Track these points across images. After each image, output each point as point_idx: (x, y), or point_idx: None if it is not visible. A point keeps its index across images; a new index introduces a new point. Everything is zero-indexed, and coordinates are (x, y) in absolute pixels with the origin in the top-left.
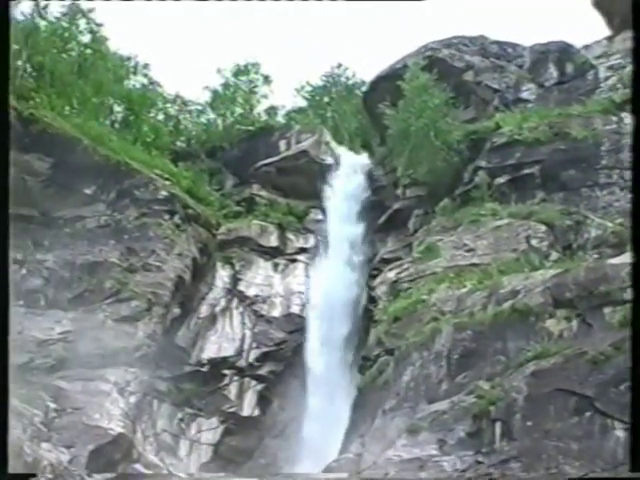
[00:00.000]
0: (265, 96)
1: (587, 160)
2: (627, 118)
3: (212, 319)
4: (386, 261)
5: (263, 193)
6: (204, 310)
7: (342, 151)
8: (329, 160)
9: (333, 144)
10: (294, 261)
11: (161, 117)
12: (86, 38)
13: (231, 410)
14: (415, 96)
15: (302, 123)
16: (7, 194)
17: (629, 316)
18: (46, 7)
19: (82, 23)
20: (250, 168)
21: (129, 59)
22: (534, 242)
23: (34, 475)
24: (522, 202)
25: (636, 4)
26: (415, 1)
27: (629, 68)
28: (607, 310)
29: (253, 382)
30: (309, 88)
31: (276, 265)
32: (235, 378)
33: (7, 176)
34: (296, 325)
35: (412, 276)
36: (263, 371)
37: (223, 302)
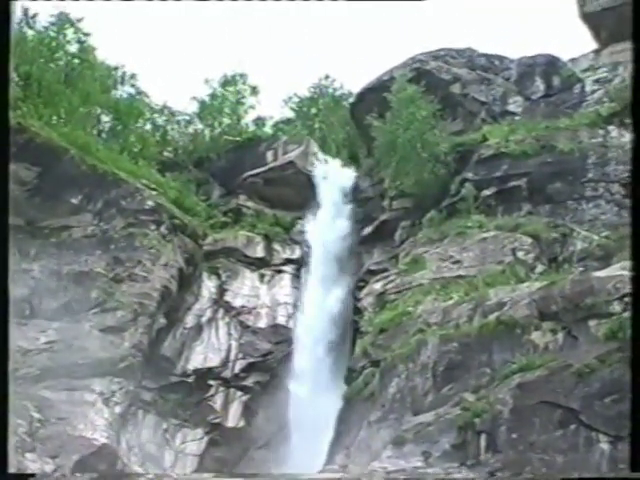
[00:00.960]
0: (252, 107)
1: (573, 173)
2: (614, 131)
3: (198, 329)
4: (372, 272)
5: (250, 204)
6: (190, 320)
7: (330, 162)
8: (316, 171)
9: (320, 155)
10: (280, 272)
11: (148, 127)
12: (74, 48)
13: (216, 421)
14: (402, 108)
15: (289, 134)
16: (7, 201)
17: (615, 329)
18: (34, 16)
19: (70, 33)
20: (237, 179)
21: (117, 69)
22: (520, 254)
23: (33, 475)
24: (508, 214)
25: (636, 14)
26: (414, 1)
27: (616, 81)
28: (592, 323)
29: (239, 393)
30: (296, 99)
31: (262, 276)
32: (221, 389)
33: (7, 183)
34: (282, 336)
35: (398, 288)
36: (249, 382)
37: (209, 312)
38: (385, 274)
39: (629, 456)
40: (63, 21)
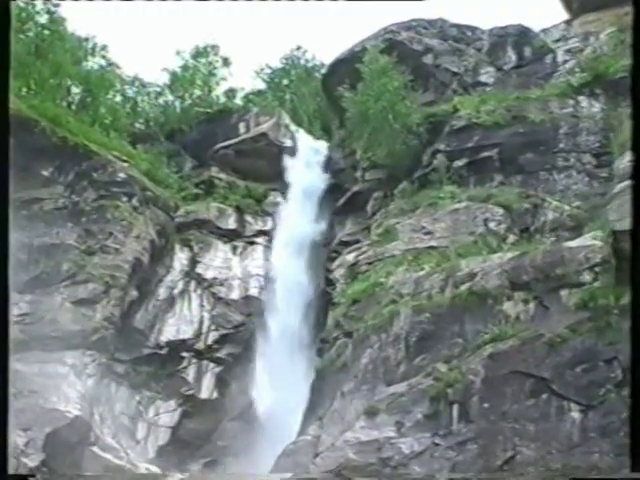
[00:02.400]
0: (224, 78)
1: (545, 143)
2: (584, 102)
3: (170, 302)
4: (344, 244)
5: (222, 175)
6: (162, 293)
7: (301, 133)
8: (288, 142)
9: (292, 127)
10: (252, 244)
11: (119, 99)
12: (43, 19)
13: (189, 393)
14: (374, 79)
15: (261, 105)
16: (7, 194)
17: (586, 298)
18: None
19: (39, 3)
20: (209, 150)
21: (87, 40)
22: (492, 225)
23: (33, 475)
24: (480, 185)
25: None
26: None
27: (587, 51)
28: (564, 293)
29: (211, 365)
30: (268, 70)
31: (235, 248)
32: (193, 361)
33: (7, 176)
34: (254, 307)
35: (370, 259)
36: (221, 354)
37: (181, 285)
38: (357, 245)
39: (629, 456)
40: None
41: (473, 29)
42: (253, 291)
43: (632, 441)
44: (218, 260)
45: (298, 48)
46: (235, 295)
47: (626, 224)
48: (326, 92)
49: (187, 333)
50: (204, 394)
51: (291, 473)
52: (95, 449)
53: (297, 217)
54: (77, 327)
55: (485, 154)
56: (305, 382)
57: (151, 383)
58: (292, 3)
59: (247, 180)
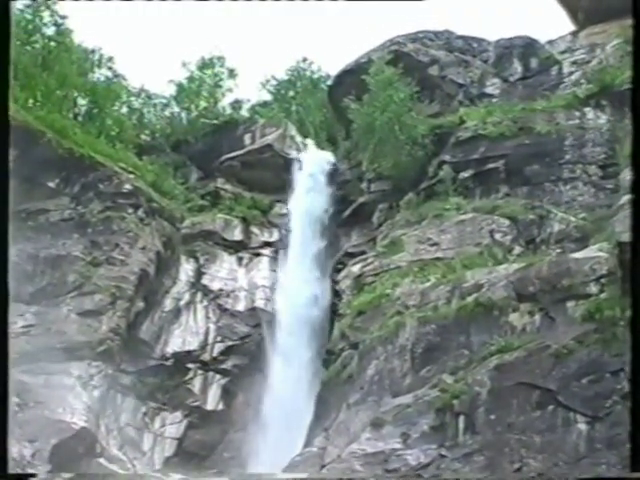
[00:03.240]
0: (230, 90)
1: (551, 155)
2: (590, 113)
3: (176, 313)
4: (350, 255)
5: (228, 187)
6: (168, 304)
7: (307, 145)
8: (294, 154)
9: (298, 138)
10: (258, 255)
11: (125, 110)
12: (50, 30)
13: (195, 404)
14: (380, 90)
15: (267, 117)
16: (7, 194)
17: (592, 310)
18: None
19: (46, 15)
20: (215, 162)
21: (93, 52)
22: (498, 236)
23: (34, 475)
24: (486, 196)
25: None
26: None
27: (593, 63)
28: (570, 304)
29: (217, 376)
30: (274, 82)
31: (240, 259)
32: (199, 372)
33: (7, 176)
34: (260, 319)
35: (376, 270)
36: (227, 365)
37: (187, 296)
38: (363, 257)
39: (629, 456)
40: (39, 4)
41: (479, 41)
42: (259, 302)
43: (632, 441)
44: (224, 271)
45: (304, 60)
46: (241, 306)
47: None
48: (332, 103)
49: (193, 344)
50: (210, 405)
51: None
52: (101, 460)
53: (303, 228)
54: (83, 338)
55: (491, 165)
56: (311, 393)
57: (157, 394)
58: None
59: (253, 191)
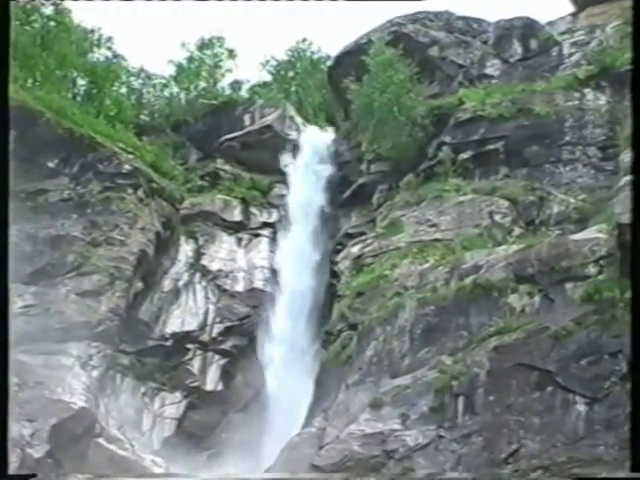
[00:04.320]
0: (230, 70)
1: (550, 136)
2: (590, 94)
3: (175, 293)
4: (350, 236)
5: (227, 167)
6: (167, 284)
7: (307, 126)
8: (293, 135)
9: (298, 119)
10: (257, 236)
11: (124, 90)
12: (49, 10)
13: (194, 384)
14: (380, 71)
15: (266, 97)
16: (7, 191)
17: (591, 291)
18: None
19: None
20: (214, 142)
21: (93, 32)
22: (497, 218)
23: (34, 475)
24: (485, 178)
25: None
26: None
27: (593, 44)
28: (569, 285)
29: (216, 357)
30: (274, 62)
31: (240, 240)
32: (198, 352)
33: (7, 174)
34: (259, 299)
35: (375, 251)
36: (226, 346)
37: (186, 276)
38: (362, 237)
39: (629, 456)
40: None
41: (479, 21)
42: (258, 283)
43: (632, 441)
44: (223, 252)
45: (304, 40)
46: (240, 287)
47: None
48: (332, 84)
49: (192, 325)
50: (209, 386)
51: (293, 466)
52: (100, 440)
53: (302, 209)
54: (82, 319)
55: (490, 147)
56: (310, 374)
57: (156, 375)
58: None
59: (252, 172)
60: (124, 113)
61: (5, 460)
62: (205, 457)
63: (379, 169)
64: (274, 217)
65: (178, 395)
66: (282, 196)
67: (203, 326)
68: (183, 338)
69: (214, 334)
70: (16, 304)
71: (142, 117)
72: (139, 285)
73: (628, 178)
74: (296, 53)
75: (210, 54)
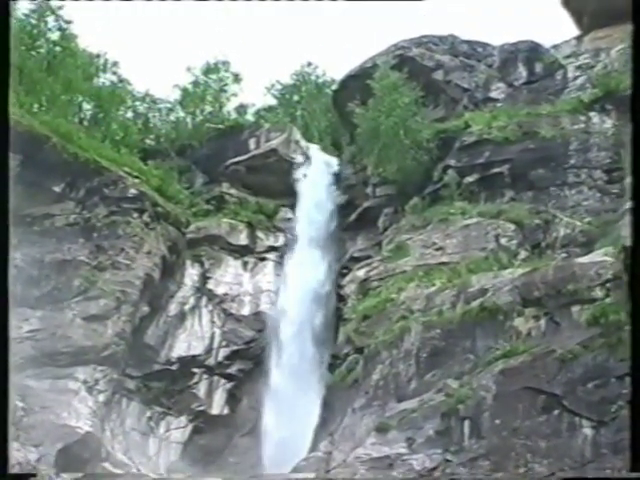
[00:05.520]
0: (235, 94)
1: (556, 159)
2: (595, 117)
3: (181, 317)
4: (356, 259)
5: (233, 191)
6: (173, 308)
7: (312, 150)
8: (299, 159)
9: (303, 143)
10: (263, 259)
11: (130, 115)
12: (55, 35)
13: (200, 409)
14: (385, 95)
15: (272, 121)
16: (7, 195)
17: (597, 314)
18: (14, 3)
19: (51, 20)
20: (220, 166)
21: (98, 56)
22: (503, 241)
23: (34, 475)
24: (491, 201)
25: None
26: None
27: (598, 67)
28: (575, 309)
29: (222, 380)
30: (279, 86)
31: (245, 263)
32: (204, 376)
33: (7, 177)
34: (265, 323)
35: (381, 275)
36: (232, 370)
37: (192, 300)
38: (368, 261)
39: (629, 456)
40: (44, 9)
41: (484, 45)
42: (264, 307)
43: (632, 441)
44: (229, 276)
45: (309, 64)
46: (246, 311)
47: None
48: (337, 108)
49: (198, 349)
50: (215, 410)
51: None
52: (106, 465)
53: (308, 233)
54: (88, 343)
55: (496, 170)
56: (316, 398)
57: (162, 399)
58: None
59: (258, 196)
60: (130, 137)
61: (5, 460)
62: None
63: (385, 192)
64: (280, 241)
65: (184, 419)
66: (288, 220)
67: (209, 350)
68: (189, 362)
69: (220, 358)
70: (22, 328)
71: (148, 141)
72: (145, 309)
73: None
74: (301, 77)
75: (215, 78)
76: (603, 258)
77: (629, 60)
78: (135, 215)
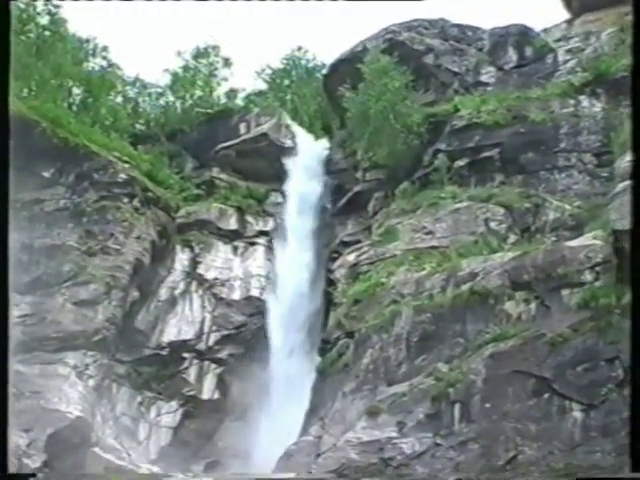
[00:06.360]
0: (225, 79)
1: (546, 143)
2: (585, 101)
3: (172, 302)
4: (346, 244)
5: (223, 176)
6: (163, 293)
7: (302, 134)
8: (289, 143)
9: (293, 127)
10: (253, 244)
11: (120, 100)
12: (44, 20)
13: (191, 393)
14: (375, 79)
15: (262, 106)
16: (7, 193)
17: (587, 298)
18: None
19: (40, 4)
20: (210, 151)
21: (88, 41)
22: (493, 225)
23: (33, 475)
24: (481, 185)
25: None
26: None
27: (588, 51)
28: (565, 292)
29: (213, 365)
30: (269, 71)
31: (235, 248)
32: (195, 361)
33: (7, 175)
34: (256, 308)
35: (371, 259)
36: (223, 354)
37: (182, 285)
38: (358, 245)
39: (629, 456)
40: None
41: (474, 29)
42: (254, 291)
43: (632, 441)
44: (219, 260)
45: (299, 48)
46: (236, 296)
47: (627, 223)
48: (327, 92)
49: (188, 334)
50: (205, 394)
51: (293, 473)
52: (97, 450)
53: (298, 217)
54: (78, 328)
55: (486, 154)
56: (307, 382)
57: (152, 384)
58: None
59: (248, 180)
60: (120, 122)
61: (5, 460)
62: (202, 466)
63: (375, 177)
64: (270, 225)
65: (174, 404)
66: (278, 204)
67: (199, 335)
68: (179, 347)
69: (210, 343)
70: (13, 314)
71: (138, 126)
72: (135, 294)
73: (624, 184)
74: (291, 61)
75: (205, 63)
76: (593, 242)
77: (619, 43)
78: (125, 200)
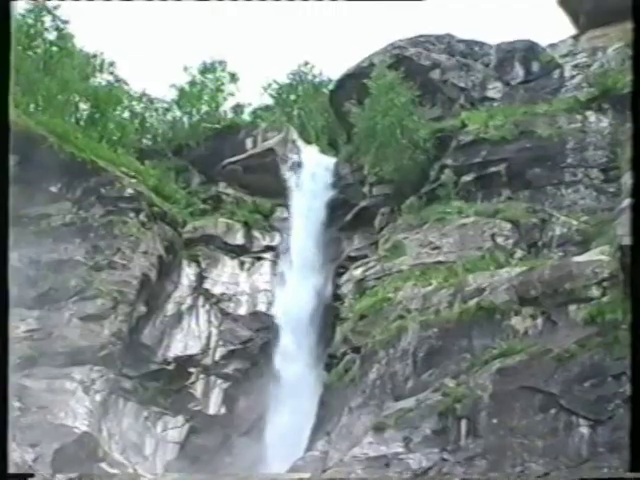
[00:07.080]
0: (232, 94)
1: (552, 158)
2: (592, 117)
3: (178, 317)
4: (352, 259)
5: (229, 191)
6: (170, 308)
7: (309, 149)
8: (295, 158)
9: (300, 142)
10: (260, 259)
11: (127, 115)
12: (52, 35)
13: (197, 408)
14: (381, 94)
15: (268, 121)
16: (7, 195)
17: (594, 313)
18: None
19: (48, 20)
20: (216, 166)
21: (95, 56)
22: (500, 240)
23: (33, 475)
24: (488, 200)
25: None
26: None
27: (595, 66)
28: (572, 308)
29: (219, 380)
30: (276, 86)
31: (242, 263)
32: (201, 376)
33: (7, 177)
34: (262, 323)
35: (378, 274)
36: (229, 369)
37: (189, 300)
38: (365, 260)
39: (629, 456)
40: (40, 8)
41: (480, 44)
42: (261, 306)
43: (632, 441)
44: (226, 275)
45: (305, 64)
46: (243, 311)
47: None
48: (334, 107)
49: (195, 349)
50: (212, 410)
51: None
52: (103, 465)
53: (304, 232)
54: (85, 343)
55: (493, 169)
56: (313, 398)
57: (159, 399)
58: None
59: (255, 195)
60: (127, 137)
61: (5, 460)
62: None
63: (381, 192)
64: (276, 240)
65: (180, 419)
66: (284, 219)
67: (206, 350)
68: (186, 362)
69: (217, 358)
70: (19, 328)
71: (144, 141)
72: (142, 309)
73: (630, 200)
74: (298, 76)
75: (212, 78)
76: (599, 257)
77: (626, 59)
78: (132, 215)
